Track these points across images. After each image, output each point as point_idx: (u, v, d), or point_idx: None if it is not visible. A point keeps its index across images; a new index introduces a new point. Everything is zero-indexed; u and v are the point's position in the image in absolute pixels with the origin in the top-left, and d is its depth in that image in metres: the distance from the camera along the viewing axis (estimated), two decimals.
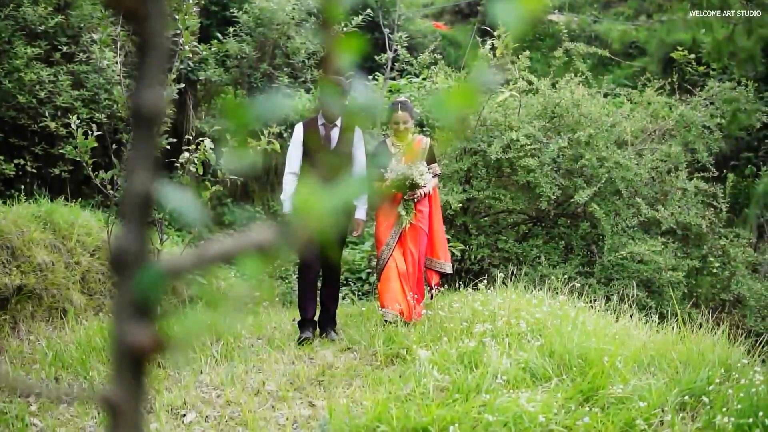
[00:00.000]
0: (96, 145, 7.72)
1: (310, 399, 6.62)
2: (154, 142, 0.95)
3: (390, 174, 8.20)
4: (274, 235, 0.94)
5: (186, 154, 7.69)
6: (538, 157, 10.75)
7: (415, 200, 8.66)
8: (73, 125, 7.68)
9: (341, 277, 13.39)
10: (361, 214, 8.75)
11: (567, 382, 6.15)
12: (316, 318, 8.71)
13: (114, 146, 8.41)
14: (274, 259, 0.94)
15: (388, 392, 6.29)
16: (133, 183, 0.92)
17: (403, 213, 8.60)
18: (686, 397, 5.84)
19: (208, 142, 7.59)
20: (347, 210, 8.44)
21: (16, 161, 11.97)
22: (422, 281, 8.81)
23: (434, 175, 8.87)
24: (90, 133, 7.73)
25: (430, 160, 8.86)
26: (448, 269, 9.14)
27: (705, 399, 5.70)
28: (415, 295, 8.47)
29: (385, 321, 8.24)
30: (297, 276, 9.05)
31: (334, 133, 8.55)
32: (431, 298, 8.94)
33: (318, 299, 8.90)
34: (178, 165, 7.79)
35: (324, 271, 8.86)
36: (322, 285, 8.90)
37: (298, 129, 8.67)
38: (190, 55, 7.80)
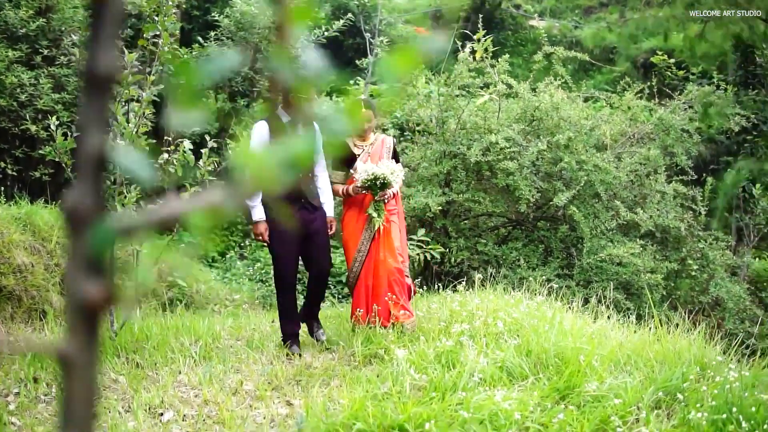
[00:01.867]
0: (75, 146, 7.71)
1: (288, 398, 6.63)
2: (106, 104, 0.98)
3: (360, 174, 7.99)
4: (223, 195, 0.97)
5: (165, 156, 7.69)
6: (518, 160, 10.79)
7: (386, 200, 8.24)
8: (52, 126, 7.68)
9: None
10: (330, 211, 8.25)
11: (543, 381, 6.18)
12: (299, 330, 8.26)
13: None
14: (223, 218, 0.96)
15: (366, 391, 6.30)
16: (86, 142, 0.95)
17: (375, 215, 8.16)
18: (661, 395, 5.89)
19: (187, 144, 7.59)
20: (320, 213, 8.01)
21: None
22: (404, 282, 8.33)
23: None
24: (69, 134, 7.73)
25: (395, 159, 8.47)
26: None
27: (680, 396, 5.74)
28: (397, 297, 8.08)
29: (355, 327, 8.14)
30: (277, 291, 8.33)
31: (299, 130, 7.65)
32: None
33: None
34: (157, 166, 7.78)
35: (313, 274, 8.34)
36: (308, 289, 8.45)
37: (262, 127, 7.83)
38: (170, 56, 7.80)
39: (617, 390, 5.89)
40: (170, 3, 7.49)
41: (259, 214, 7.76)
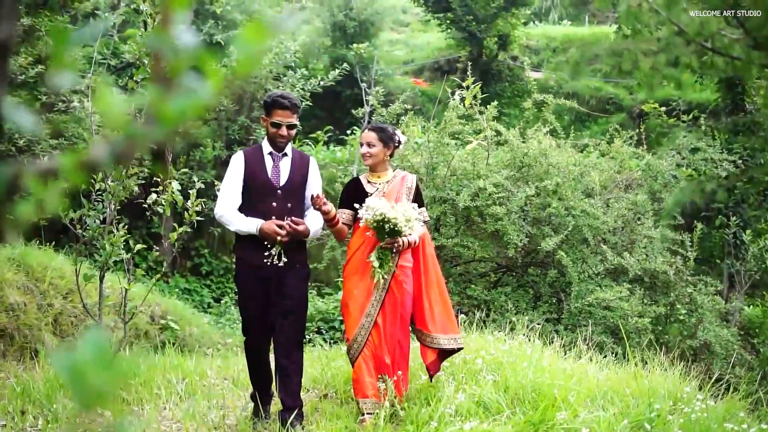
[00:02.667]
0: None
1: None
2: (5, 71, 1.13)
3: (365, 212, 6.44)
4: (102, 151, 1.12)
5: (153, 196, 7.84)
6: (506, 206, 10.92)
7: (394, 250, 6.64)
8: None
9: (313, 325, 13.52)
10: (314, 224, 6.76)
11: (519, 415, 6.29)
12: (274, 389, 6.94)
13: (82, 186, 8.52)
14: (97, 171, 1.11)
15: (345, 426, 6.43)
16: None
17: (376, 264, 6.51)
18: (632, 428, 5.99)
19: (175, 184, 7.74)
20: (297, 272, 6.60)
21: None
22: (407, 355, 6.89)
23: (422, 223, 6.87)
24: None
25: (417, 202, 6.94)
26: (446, 344, 6.89)
27: (647, 426, 5.83)
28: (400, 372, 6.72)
29: (365, 414, 6.51)
30: (245, 349, 7.07)
31: (284, 165, 6.77)
32: (430, 379, 7.03)
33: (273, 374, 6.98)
34: (146, 206, 7.94)
35: (276, 355, 6.82)
36: (276, 374, 6.84)
37: (238, 159, 6.80)
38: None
39: (590, 423, 5.99)
40: None
41: (250, 224, 6.49)
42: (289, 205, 6.66)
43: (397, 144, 7.06)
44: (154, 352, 10.16)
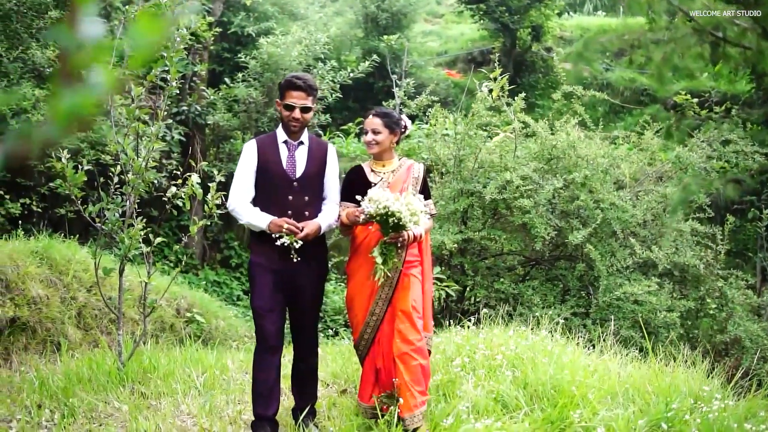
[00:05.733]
0: (86, 178, 7.83)
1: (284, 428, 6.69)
2: None
3: (368, 204, 5.91)
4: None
5: (173, 189, 7.79)
6: (533, 198, 10.80)
7: (399, 245, 6.19)
8: (63, 159, 7.80)
9: (341, 318, 13.47)
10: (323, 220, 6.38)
11: (537, 412, 6.20)
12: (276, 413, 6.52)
13: (102, 179, 8.50)
14: None
15: (362, 422, 6.37)
16: None
17: (379, 260, 6.05)
18: (650, 427, 5.88)
19: (195, 177, 7.69)
20: (312, 267, 6.28)
21: (22, 201, 12.19)
22: (421, 363, 6.16)
23: (429, 216, 6.47)
24: (80, 167, 7.86)
25: (424, 194, 6.48)
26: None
27: (664, 426, 5.72)
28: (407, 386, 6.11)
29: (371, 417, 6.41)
30: (253, 355, 6.51)
31: (300, 154, 6.34)
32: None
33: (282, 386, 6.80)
34: (165, 200, 7.91)
35: (296, 342, 6.66)
36: (293, 371, 6.75)
37: (250, 148, 6.40)
38: (178, 91, 7.93)
39: (608, 421, 5.89)
40: (179, 39, 7.62)
41: (261, 219, 6.14)
42: (307, 198, 6.29)
43: (403, 130, 6.66)
44: (179, 346, 10.10)
